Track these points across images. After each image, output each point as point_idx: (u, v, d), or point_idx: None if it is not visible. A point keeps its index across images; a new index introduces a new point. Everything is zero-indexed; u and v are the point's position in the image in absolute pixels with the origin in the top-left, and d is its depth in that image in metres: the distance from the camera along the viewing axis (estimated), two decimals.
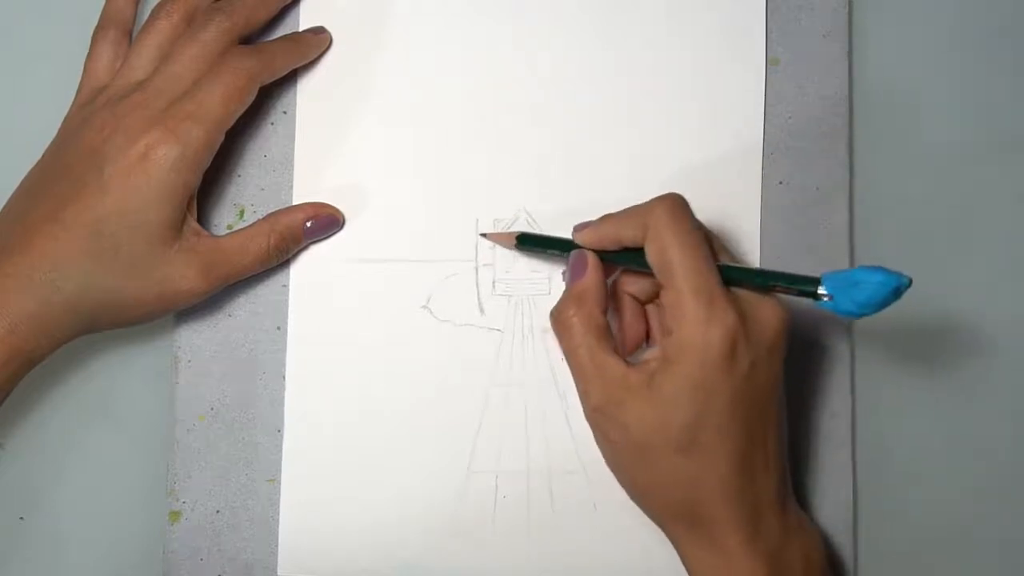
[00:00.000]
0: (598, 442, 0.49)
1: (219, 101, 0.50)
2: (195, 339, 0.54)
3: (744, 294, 0.47)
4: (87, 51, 0.53)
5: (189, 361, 0.54)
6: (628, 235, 0.48)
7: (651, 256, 0.47)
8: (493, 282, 0.54)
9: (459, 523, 0.54)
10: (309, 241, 0.54)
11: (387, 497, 0.54)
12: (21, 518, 0.56)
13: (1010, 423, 0.56)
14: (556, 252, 0.51)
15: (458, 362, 0.54)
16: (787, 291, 0.47)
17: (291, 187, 0.55)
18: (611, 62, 0.55)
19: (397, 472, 0.54)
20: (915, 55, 0.57)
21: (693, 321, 0.46)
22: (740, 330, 0.46)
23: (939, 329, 0.56)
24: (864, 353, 0.55)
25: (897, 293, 0.44)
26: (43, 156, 0.52)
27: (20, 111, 0.57)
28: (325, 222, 0.54)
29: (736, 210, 0.54)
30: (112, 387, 0.56)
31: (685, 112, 0.55)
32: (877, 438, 0.55)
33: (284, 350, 0.54)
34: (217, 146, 0.51)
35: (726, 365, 0.46)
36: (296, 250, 0.54)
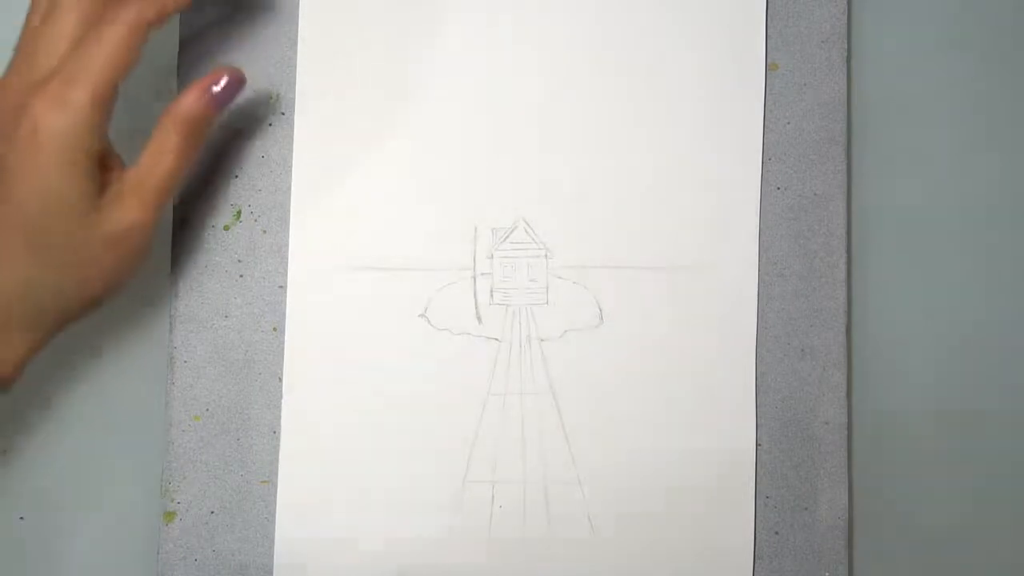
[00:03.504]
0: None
1: (101, 59, 0.47)
2: (191, 339, 0.54)
3: None
4: None
5: (185, 361, 0.54)
6: None
7: None
8: (491, 291, 0.54)
9: (455, 531, 0.54)
10: (223, 104, 0.50)
11: (383, 504, 0.54)
12: (21, 518, 0.56)
13: (1010, 429, 0.56)
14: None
15: (455, 371, 0.54)
16: None
17: (289, 189, 0.55)
18: (611, 67, 0.55)
19: (393, 479, 0.54)
20: (914, 61, 0.57)
21: None
22: None
23: (937, 334, 0.56)
24: (860, 359, 0.55)
25: None
26: None
27: None
28: (226, 87, 0.50)
29: (734, 215, 0.54)
30: (109, 387, 0.56)
31: (685, 117, 0.55)
32: (873, 445, 0.55)
33: (280, 351, 0.54)
34: (111, 103, 0.48)
35: None
36: (215, 120, 0.50)
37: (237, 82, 0.50)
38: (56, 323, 0.49)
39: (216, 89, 0.50)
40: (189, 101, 0.49)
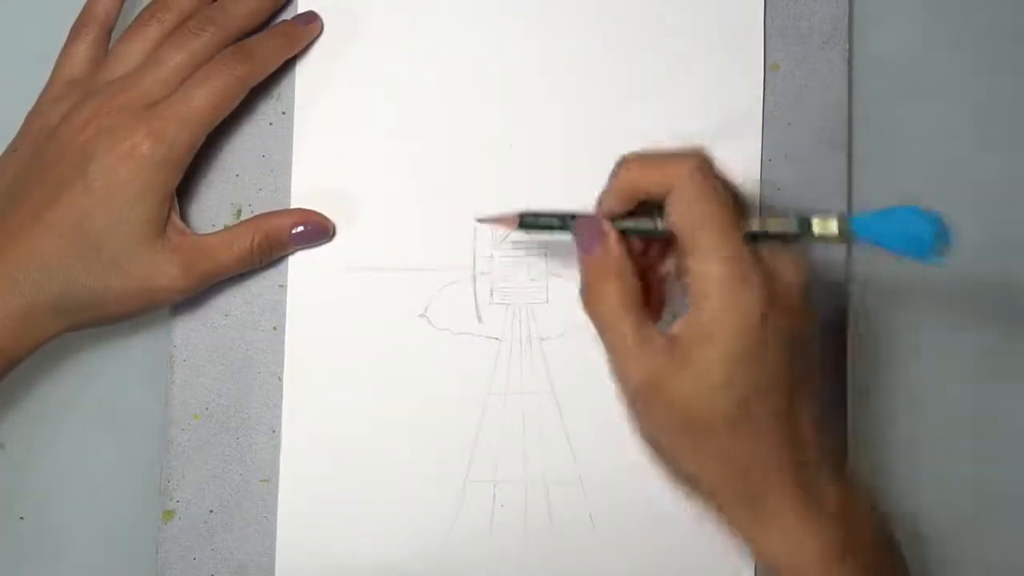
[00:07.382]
0: (640, 425, 0.46)
1: (208, 104, 0.50)
2: (191, 338, 0.54)
3: (763, 251, 0.44)
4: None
5: (185, 360, 0.54)
6: (648, 187, 0.45)
7: (675, 216, 0.44)
8: (491, 291, 0.54)
9: (456, 531, 0.54)
10: (296, 248, 0.54)
11: (383, 504, 0.54)
12: (21, 518, 0.56)
13: (1010, 430, 0.56)
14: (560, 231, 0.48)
15: (456, 371, 0.54)
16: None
17: (289, 188, 0.55)
18: (611, 67, 0.55)
19: (394, 480, 0.54)
20: (914, 61, 0.57)
21: (727, 290, 0.43)
22: (770, 292, 0.43)
23: (936, 335, 0.56)
24: (860, 360, 0.55)
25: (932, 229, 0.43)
26: (14, 151, 0.52)
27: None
28: (314, 231, 0.54)
29: None
30: (108, 386, 0.56)
31: (684, 117, 0.55)
32: (873, 439, 0.55)
33: (280, 350, 0.54)
34: (199, 146, 0.51)
35: (764, 332, 0.43)
36: (282, 255, 0.54)
37: (320, 230, 0.54)
38: (90, 320, 0.51)
39: (297, 230, 0.53)
40: (277, 221, 0.53)
